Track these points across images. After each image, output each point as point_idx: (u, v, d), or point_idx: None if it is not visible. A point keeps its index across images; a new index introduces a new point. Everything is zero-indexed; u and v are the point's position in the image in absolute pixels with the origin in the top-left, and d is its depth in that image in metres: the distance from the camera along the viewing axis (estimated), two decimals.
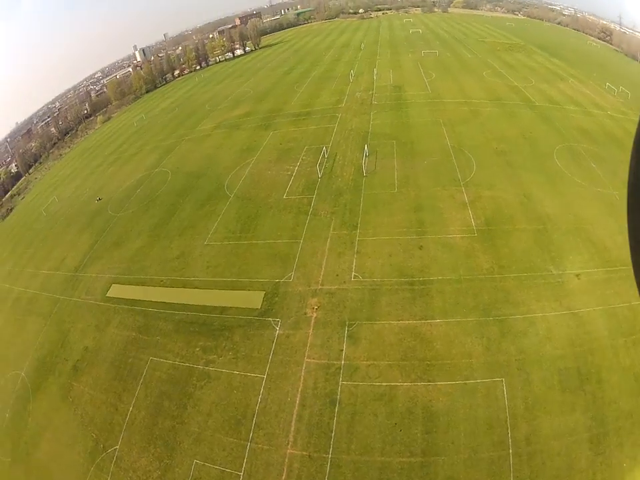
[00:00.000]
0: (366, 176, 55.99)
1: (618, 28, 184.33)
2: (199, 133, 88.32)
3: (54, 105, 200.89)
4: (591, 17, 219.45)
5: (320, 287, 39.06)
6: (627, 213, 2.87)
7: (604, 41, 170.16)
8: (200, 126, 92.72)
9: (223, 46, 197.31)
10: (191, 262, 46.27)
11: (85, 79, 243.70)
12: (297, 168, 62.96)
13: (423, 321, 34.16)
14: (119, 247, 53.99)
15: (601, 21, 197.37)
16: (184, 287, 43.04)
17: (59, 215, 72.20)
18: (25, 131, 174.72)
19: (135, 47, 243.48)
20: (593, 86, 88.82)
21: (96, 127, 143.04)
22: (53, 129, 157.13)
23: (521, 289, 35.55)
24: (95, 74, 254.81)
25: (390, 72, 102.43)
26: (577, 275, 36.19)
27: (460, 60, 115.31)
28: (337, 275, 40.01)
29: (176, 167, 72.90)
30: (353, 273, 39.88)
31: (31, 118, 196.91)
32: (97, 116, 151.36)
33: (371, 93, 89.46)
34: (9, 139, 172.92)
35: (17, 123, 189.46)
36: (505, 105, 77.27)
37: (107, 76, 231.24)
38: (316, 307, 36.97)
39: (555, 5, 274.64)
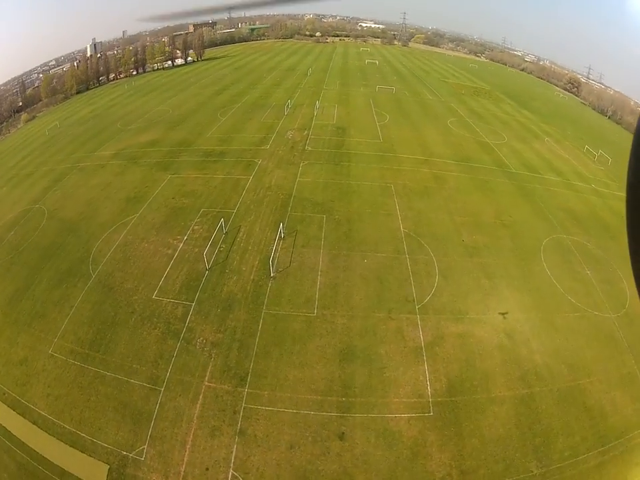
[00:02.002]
0: (274, 277, 38.98)
1: (585, 80, 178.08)
2: (95, 160, 72.62)
3: (5, 87, 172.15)
4: (555, 66, 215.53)
5: None
6: (625, 213, 2.59)
7: (570, 92, 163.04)
8: (100, 150, 77.13)
9: (163, 53, 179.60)
10: (34, 377, 33.10)
11: (40, 66, 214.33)
12: (181, 245, 44.62)
13: None
14: None
15: (568, 71, 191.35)
16: (23, 416, 30.56)
17: None
18: None
19: (93, 39, 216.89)
20: (571, 148, 78.79)
21: (18, 126, 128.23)
22: None
23: None
24: (49, 61, 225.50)
25: (335, 108, 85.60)
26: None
27: (420, 101, 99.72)
28: (207, 470, 25.71)
29: (55, 206, 57.97)
30: (231, 472, 25.49)
31: None
32: (22, 113, 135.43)
33: (306, 133, 72.15)
34: None
35: None
36: (476, 169, 60.75)
37: (58, 66, 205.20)
38: None
39: (517, 50, 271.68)
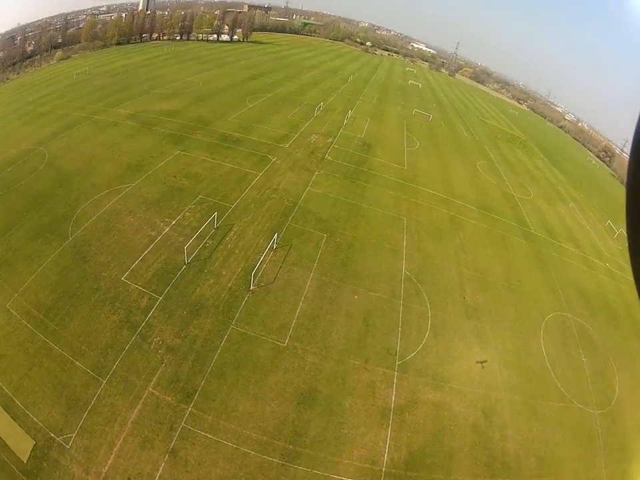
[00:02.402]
0: (253, 291, 35.39)
1: (620, 152, 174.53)
2: (111, 116, 70.01)
3: (52, 20, 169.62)
4: (593, 131, 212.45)
5: None
6: (625, 214, 2.54)
7: (603, 160, 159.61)
8: (119, 107, 74.90)
9: (211, 25, 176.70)
10: None
11: (91, 9, 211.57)
12: (167, 229, 41.52)
13: None
14: None
15: (604, 139, 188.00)
16: None
17: None
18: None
19: None
20: (593, 219, 74.82)
21: (51, 62, 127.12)
22: (26, 47, 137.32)
23: None
24: (100, 6, 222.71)
25: (367, 121, 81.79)
26: None
27: (454, 135, 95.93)
28: None
29: (56, 154, 55.23)
30: None
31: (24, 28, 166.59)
32: (58, 50, 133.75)
33: (330, 140, 69.14)
34: None
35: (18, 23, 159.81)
36: (496, 221, 57.14)
37: (107, 13, 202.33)
38: None
39: (559, 106, 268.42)
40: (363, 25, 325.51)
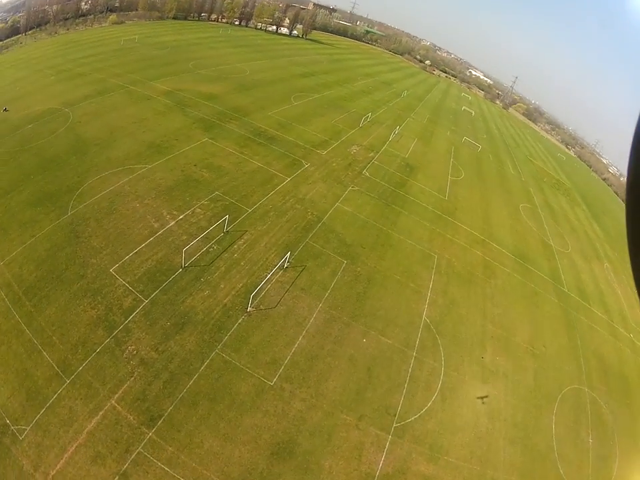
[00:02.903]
0: (249, 314, 31.24)
1: None
2: (147, 89, 67.46)
3: None
4: None
5: None
6: (625, 214, 2.52)
7: None
8: (157, 81, 72.23)
9: (271, 15, 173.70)
10: None
11: None
12: (172, 223, 37.97)
13: None
14: None
15: None
16: None
17: None
18: None
19: None
20: (625, 284, 67.53)
21: (103, 24, 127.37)
22: (81, 4, 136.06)
23: None
24: None
25: (414, 141, 77.50)
26: None
27: (501, 171, 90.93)
28: None
29: (82, 119, 53.75)
30: None
31: None
32: (113, 14, 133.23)
33: (371, 155, 64.19)
34: None
35: None
36: (530, 273, 52.20)
37: None
38: None
39: (604, 157, 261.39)
40: (425, 43, 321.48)
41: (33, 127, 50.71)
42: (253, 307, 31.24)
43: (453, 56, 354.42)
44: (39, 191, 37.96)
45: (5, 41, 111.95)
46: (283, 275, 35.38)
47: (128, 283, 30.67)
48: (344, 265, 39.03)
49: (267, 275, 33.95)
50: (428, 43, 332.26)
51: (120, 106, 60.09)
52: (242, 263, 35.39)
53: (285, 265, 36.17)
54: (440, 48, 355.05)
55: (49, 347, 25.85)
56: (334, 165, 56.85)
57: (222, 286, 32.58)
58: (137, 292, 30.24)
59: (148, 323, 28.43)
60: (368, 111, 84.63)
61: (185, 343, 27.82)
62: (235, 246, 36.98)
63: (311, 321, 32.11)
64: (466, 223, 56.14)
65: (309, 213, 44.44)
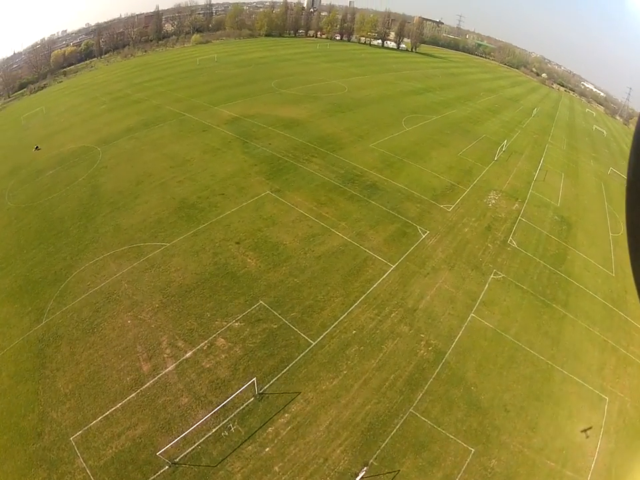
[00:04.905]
0: None
1: None
2: (206, 117, 53.46)
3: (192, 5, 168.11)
4: None
5: None
6: (625, 212, 2.41)
7: None
8: (222, 105, 58.21)
9: (374, 27, 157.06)
10: None
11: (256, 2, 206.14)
12: (172, 367, 21.51)
13: None
14: None
15: None
16: None
17: None
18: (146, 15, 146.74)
19: None
20: None
21: (186, 45, 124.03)
22: (168, 26, 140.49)
23: None
24: (265, 1, 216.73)
25: (561, 178, 53.65)
26: None
27: None
28: None
29: (110, 162, 42.81)
30: None
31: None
32: (196, 33, 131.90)
33: (516, 207, 41.97)
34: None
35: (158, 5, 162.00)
36: None
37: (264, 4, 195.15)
38: None
39: None
40: (534, 55, 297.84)
41: (55, 172, 42.07)
42: None
43: (563, 68, 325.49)
44: (24, 277, 28.22)
45: (77, 65, 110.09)
46: None
47: (90, 467, 17.46)
48: (470, 456, 18.77)
49: None
50: (538, 55, 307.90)
51: (162, 142, 45.79)
52: (276, 469, 17.12)
53: (361, 474, 16.63)
54: (549, 61, 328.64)
55: None
56: (466, 230, 35.43)
57: None
58: None
59: None
60: (501, 137, 61.79)
61: None
62: (271, 428, 18.50)
63: None
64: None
65: (422, 344, 23.89)
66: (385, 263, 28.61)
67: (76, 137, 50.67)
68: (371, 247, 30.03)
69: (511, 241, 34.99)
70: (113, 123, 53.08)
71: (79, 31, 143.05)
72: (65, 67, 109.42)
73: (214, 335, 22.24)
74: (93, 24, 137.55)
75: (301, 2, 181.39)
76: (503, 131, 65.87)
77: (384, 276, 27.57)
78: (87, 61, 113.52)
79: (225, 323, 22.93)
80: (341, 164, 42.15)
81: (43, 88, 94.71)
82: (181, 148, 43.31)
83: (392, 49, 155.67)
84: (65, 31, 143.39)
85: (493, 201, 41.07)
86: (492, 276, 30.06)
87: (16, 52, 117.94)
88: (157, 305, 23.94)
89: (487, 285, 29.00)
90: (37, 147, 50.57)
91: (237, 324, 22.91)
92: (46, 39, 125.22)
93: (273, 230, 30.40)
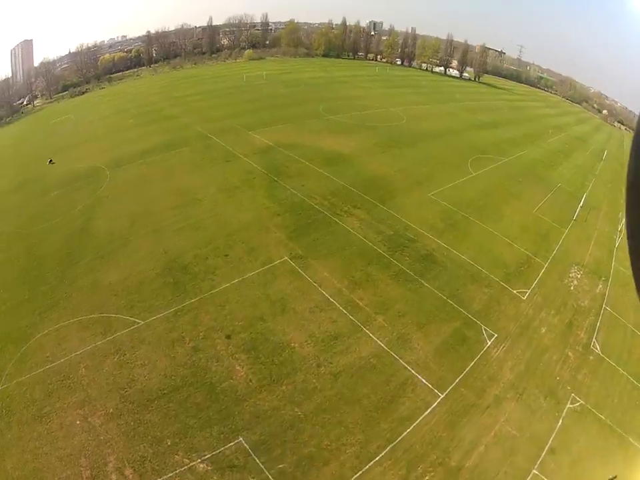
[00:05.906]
0: None
1: None
2: (235, 144, 47.26)
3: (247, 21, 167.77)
4: None
5: None
6: (625, 213, 2.33)
7: None
8: (258, 130, 52.24)
9: (436, 53, 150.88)
10: None
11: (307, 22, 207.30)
12: None
13: None
14: None
15: None
16: None
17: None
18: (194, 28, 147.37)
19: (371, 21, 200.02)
20: None
21: (238, 60, 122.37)
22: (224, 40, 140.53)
23: None
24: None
25: None
26: None
27: None
28: None
29: (112, 191, 38.16)
30: None
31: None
32: (249, 48, 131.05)
33: (600, 289, 31.94)
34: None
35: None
36: None
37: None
38: None
39: None
40: (593, 90, 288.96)
41: (59, 194, 39.17)
42: None
43: (619, 104, 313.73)
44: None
45: (123, 72, 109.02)
46: None
47: None
48: None
49: None
50: (595, 90, 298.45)
51: (176, 171, 40.09)
52: None
53: None
54: (607, 96, 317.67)
55: None
56: (543, 331, 25.81)
57: None
58: None
59: None
60: (577, 186, 51.70)
61: None
62: None
63: None
64: None
65: None
66: (430, 390, 19.94)
67: (91, 154, 47.42)
68: (415, 362, 21.28)
69: (594, 344, 25.70)
70: (133, 141, 48.84)
71: (138, 37, 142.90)
72: (112, 73, 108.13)
73: (169, 475, 15.13)
74: (153, 32, 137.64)
75: (360, 24, 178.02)
76: (578, 179, 55.82)
77: (426, 412, 18.92)
78: (135, 69, 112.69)
79: (187, 461, 15.89)
80: (391, 220, 33.61)
81: (84, 92, 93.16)
82: (194, 181, 37.09)
83: (454, 77, 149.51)
84: (125, 36, 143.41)
85: (575, 282, 31.72)
86: (568, 404, 20.95)
87: (71, 51, 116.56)
88: (110, 410, 17.71)
89: (560, 422, 19.97)
90: (50, 161, 48.42)
91: (202, 465, 15.88)
92: (99, 42, 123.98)
93: (280, 321, 22.44)
